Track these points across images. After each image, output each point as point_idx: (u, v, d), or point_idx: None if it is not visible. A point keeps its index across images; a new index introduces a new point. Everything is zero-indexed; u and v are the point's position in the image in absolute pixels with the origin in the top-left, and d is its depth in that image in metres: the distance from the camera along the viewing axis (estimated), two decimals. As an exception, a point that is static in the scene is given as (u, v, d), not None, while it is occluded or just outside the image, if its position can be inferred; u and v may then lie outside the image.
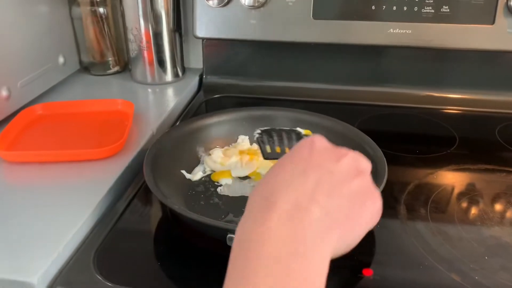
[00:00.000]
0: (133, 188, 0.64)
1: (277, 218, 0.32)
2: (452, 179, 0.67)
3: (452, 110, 0.88)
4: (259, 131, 0.59)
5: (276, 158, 0.55)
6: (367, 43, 0.83)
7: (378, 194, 0.37)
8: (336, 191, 0.34)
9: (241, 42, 0.92)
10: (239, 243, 0.33)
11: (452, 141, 0.77)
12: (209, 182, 0.64)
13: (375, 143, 0.62)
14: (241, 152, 0.67)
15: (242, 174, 0.64)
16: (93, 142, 0.70)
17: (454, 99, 0.89)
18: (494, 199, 0.62)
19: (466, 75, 0.89)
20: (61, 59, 0.89)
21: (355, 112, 0.87)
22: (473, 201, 0.62)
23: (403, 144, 0.76)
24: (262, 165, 0.65)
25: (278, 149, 0.56)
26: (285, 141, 0.58)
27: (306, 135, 0.61)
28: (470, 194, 0.63)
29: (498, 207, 0.61)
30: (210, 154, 0.68)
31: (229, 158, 0.66)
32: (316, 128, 0.68)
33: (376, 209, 0.37)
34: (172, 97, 0.88)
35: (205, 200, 0.60)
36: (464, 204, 0.61)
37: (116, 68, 0.97)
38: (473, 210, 0.60)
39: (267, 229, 0.32)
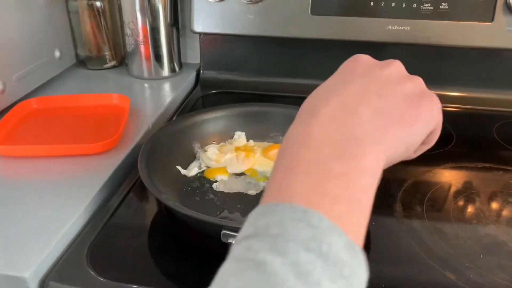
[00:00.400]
0: (128, 183, 0.63)
1: (321, 121, 0.30)
2: (449, 177, 0.67)
3: (449, 108, 0.88)
4: None
5: None
6: (365, 39, 0.83)
7: (434, 95, 0.34)
8: (388, 90, 0.32)
9: (239, 37, 0.92)
10: (282, 150, 0.31)
11: (449, 139, 0.76)
12: (204, 178, 0.63)
13: None
14: (237, 149, 0.67)
15: (238, 171, 0.64)
16: (88, 136, 0.69)
17: (452, 96, 0.89)
18: (491, 198, 0.62)
19: (464, 72, 0.89)
20: (57, 53, 0.89)
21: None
22: (469, 200, 0.61)
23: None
24: (258, 161, 0.65)
25: None
26: None
27: None
28: (466, 192, 0.63)
29: (494, 205, 0.61)
30: (205, 151, 0.67)
31: (224, 154, 0.65)
32: None
33: (436, 107, 0.34)
34: (168, 92, 0.87)
35: (200, 196, 0.60)
36: (461, 202, 0.61)
37: (113, 63, 0.97)
38: (470, 209, 0.60)
39: (309, 133, 0.30)
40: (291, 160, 0.29)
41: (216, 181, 0.63)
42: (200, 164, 0.66)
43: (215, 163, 0.65)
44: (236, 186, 0.61)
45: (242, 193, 0.60)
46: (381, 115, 0.30)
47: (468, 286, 0.47)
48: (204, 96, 0.92)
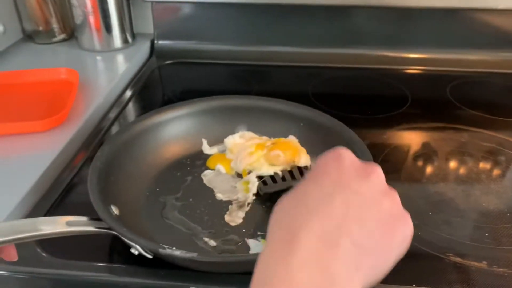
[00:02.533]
0: (81, 158, 0.62)
1: (303, 259, 0.28)
2: (402, 138, 0.68)
3: (405, 70, 0.88)
4: (259, 179, 0.55)
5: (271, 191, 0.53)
6: (330, 3, 0.81)
7: (408, 216, 0.33)
8: (367, 214, 0.31)
9: (194, 4, 0.89)
10: (259, 282, 0.29)
11: (404, 100, 0.77)
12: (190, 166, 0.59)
13: (363, 142, 0.55)
14: (259, 146, 0.58)
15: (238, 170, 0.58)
16: (36, 114, 0.67)
17: (408, 58, 0.89)
18: (441, 157, 0.63)
19: (421, 34, 0.89)
20: (0, 28, 0.84)
21: (307, 75, 0.87)
22: (421, 160, 0.63)
23: (354, 106, 0.76)
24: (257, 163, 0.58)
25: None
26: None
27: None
28: (419, 152, 0.64)
29: (444, 164, 0.62)
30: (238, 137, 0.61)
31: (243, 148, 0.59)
32: (295, 120, 0.62)
33: (408, 232, 0.33)
34: (121, 64, 0.84)
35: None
36: (413, 162, 0.62)
37: (62, 36, 0.93)
38: (421, 168, 0.61)
39: (291, 277, 0.28)
40: None
41: (208, 169, 0.59)
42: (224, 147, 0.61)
43: (229, 153, 0.60)
44: (217, 184, 0.56)
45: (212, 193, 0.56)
46: (359, 246, 0.29)
47: (416, 243, 0.48)
48: (160, 67, 0.90)
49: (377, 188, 0.32)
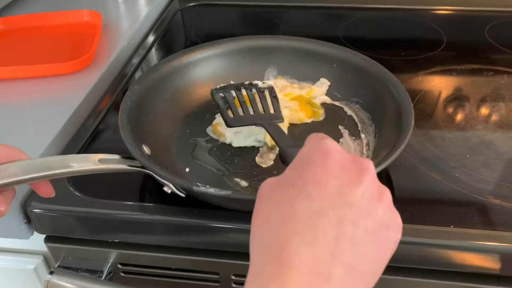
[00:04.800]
0: (106, 103, 0.61)
1: None
2: (437, 80, 0.65)
3: (440, 10, 0.84)
4: (214, 90, 0.52)
5: (242, 125, 0.50)
6: None
7: (398, 216, 0.30)
8: (361, 230, 0.28)
9: None
10: None
11: (439, 42, 0.73)
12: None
13: (401, 84, 0.52)
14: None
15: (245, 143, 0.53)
16: (60, 56, 0.66)
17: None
18: (480, 100, 0.60)
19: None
20: (19, -31, 0.82)
21: (336, 17, 0.83)
22: (458, 102, 0.60)
23: (387, 48, 0.73)
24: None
25: (241, 113, 0.51)
26: (248, 101, 0.52)
27: (265, 88, 0.53)
28: (455, 94, 0.61)
29: (483, 107, 0.59)
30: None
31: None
32: (328, 61, 0.59)
33: (398, 236, 0.30)
34: (143, 7, 0.81)
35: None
36: (449, 105, 0.60)
37: (82, -22, 0.90)
38: (458, 111, 0.59)
39: None
40: None
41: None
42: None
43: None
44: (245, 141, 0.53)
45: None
46: (352, 272, 0.27)
47: (453, 185, 0.47)
48: (183, 10, 0.87)
49: (370, 192, 0.29)
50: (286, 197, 0.29)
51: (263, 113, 0.51)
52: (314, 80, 0.60)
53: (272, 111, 0.52)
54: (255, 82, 0.55)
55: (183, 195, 0.42)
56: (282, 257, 0.27)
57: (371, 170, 0.30)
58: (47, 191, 0.40)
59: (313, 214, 0.28)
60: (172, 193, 0.42)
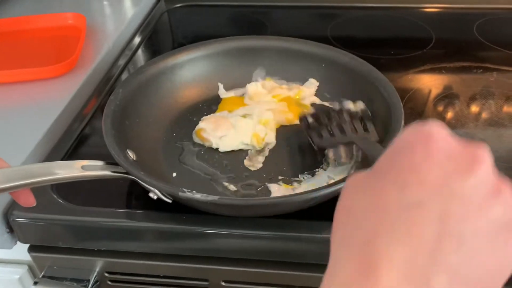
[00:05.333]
0: (91, 106, 0.60)
1: None
2: (427, 79, 0.64)
3: (429, 8, 0.83)
4: (305, 115, 0.50)
5: (329, 147, 0.47)
6: None
7: None
8: (470, 229, 0.22)
9: None
10: None
11: (428, 40, 0.73)
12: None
13: (390, 84, 0.51)
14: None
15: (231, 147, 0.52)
16: (44, 60, 0.64)
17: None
18: (470, 98, 0.60)
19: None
20: (1, -29, 0.80)
21: (324, 16, 0.82)
22: (448, 100, 0.60)
23: (375, 47, 0.72)
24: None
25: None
26: (337, 124, 0.47)
27: (357, 112, 0.48)
28: (445, 93, 0.61)
29: (473, 104, 0.59)
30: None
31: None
32: (316, 61, 0.58)
33: None
34: (129, 8, 0.80)
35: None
36: (439, 103, 0.59)
37: (66, -20, 0.88)
38: (448, 109, 0.58)
39: None
40: None
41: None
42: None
43: (249, 99, 0.56)
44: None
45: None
46: (458, 281, 0.22)
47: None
48: (169, 11, 0.86)
49: (485, 185, 0.23)
50: (376, 187, 0.24)
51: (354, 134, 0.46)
52: (303, 80, 0.59)
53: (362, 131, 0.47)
54: (344, 102, 0.50)
55: (169, 201, 0.41)
56: (367, 255, 0.22)
57: (487, 159, 0.23)
58: (28, 200, 0.39)
59: (408, 206, 0.22)
60: (158, 199, 0.41)
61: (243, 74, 0.59)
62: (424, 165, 0.23)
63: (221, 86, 0.59)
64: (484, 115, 0.57)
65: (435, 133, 0.24)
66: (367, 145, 0.43)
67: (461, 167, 0.23)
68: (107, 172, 0.41)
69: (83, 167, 0.39)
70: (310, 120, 0.49)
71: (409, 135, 0.25)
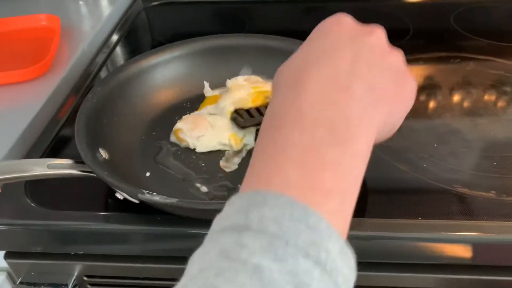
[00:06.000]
0: (67, 108, 0.59)
1: (312, 98, 0.26)
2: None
3: (407, -1, 0.83)
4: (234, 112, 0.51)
5: (254, 124, 0.49)
6: None
7: (413, 76, 0.32)
8: (377, 64, 0.29)
9: None
10: (268, 128, 0.27)
11: (405, 32, 0.73)
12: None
13: None
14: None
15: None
16: (17, 64, 0.63)
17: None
18: (448, 87, 0.60)
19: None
20: (-28, -26, 0.79)
21: (301, 11, 0.82)
22: (426, 91, 0.59)
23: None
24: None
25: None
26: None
27: None
28: (423, 84, 0.61)
29: (450, 95, 0.59)
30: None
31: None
32: None
33: (415, 87, 0.32)
34: (105, 8, 0.79)
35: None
36: (417, 94, 0.59)
37: (41, -20, 0.87)
38: (425, 99, 0.58)
39: (300, 113, 0.26)
40: (283, 143, 0.26)
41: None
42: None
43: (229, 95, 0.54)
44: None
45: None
46: (372, 90, 0.28)
47: (421, 175, 0.46)
48: (147, 9, 0.85)
49: (383, 43, 0.30)
50: (305, 48, 0.30)
51: None
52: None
53: None
54: None
55: (136, 201, 0.40)
56: (299, 76, 0.28)
57: (383, 31, 0.31)
58: None
59: (330, 47, 0.29)
60: (125, 199, 0.40)
61: (230, 73, 0.58)
62: (338, 29, 0.30)
63: (206, 84, 0.58)
64: (461, 105, 0.57)
65: (344, 19, 0.31)
66: None
67: (365, 31, 0.30)
68: (74, 171, 0.40)
69: (48, 166, 0.38)
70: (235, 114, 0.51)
71: (324, 22, 0.32)
